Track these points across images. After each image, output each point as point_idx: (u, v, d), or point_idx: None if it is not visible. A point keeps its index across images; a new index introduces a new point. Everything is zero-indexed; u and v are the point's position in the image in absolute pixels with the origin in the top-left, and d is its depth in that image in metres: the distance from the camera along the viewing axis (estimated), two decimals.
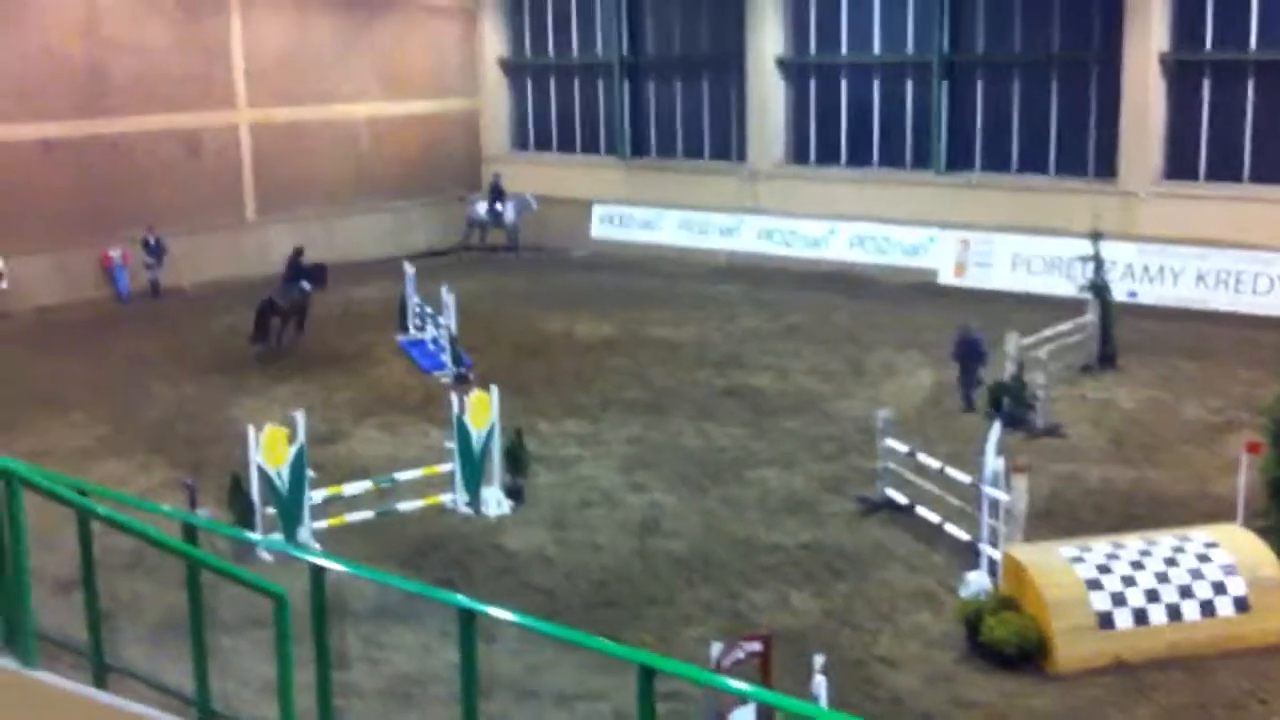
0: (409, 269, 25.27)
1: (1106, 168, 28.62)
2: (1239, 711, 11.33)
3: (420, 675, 12.16)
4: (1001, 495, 13.48)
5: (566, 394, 21.59)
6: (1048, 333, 20.50)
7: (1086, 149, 29.21)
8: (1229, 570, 12.31)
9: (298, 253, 25.73)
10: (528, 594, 14.31)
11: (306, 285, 25.20)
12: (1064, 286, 25.10)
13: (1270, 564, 12.53)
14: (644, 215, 34.13)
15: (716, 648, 9.56)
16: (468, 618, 6.21)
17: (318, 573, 6.45)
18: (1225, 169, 27.63)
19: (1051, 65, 29.65)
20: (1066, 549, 12.74)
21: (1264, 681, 11.75)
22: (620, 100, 35.29)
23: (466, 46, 36.86)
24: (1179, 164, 28.12)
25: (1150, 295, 26.58)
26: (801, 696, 9.87)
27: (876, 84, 32.00)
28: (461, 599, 6.59)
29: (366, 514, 15.99)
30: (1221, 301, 26.11)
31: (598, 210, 34.76)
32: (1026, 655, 12.18)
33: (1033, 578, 12.35)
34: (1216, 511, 14.47)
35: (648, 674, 5.60)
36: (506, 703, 11.92)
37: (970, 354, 20.18)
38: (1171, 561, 12.38)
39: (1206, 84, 27.78)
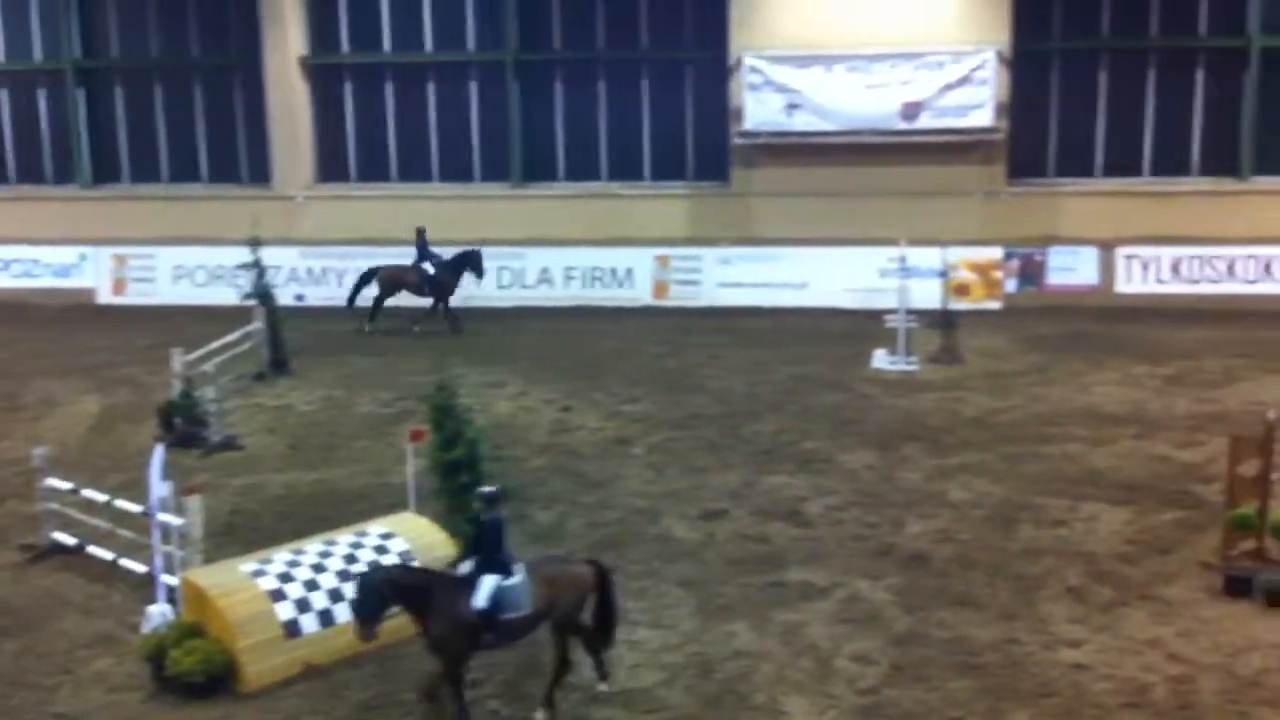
0: None
1: (261, 173, 28.61)
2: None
3: None
4: (175, 520, 12.75)
5: None
6: (215, 345, 19.94)
7: (239, 155, 29.00)
8: (406, 557, 12.51)
9: (420, 232, 24.84)
10: None
11: (429, 268, 24.67)
12: (231, 296, 24.69)
13: (443, 544, 12.92)
14: None
15: None
16: None
17: None
18: (374, 169, 28.72)
19: (194, 71, 29.04)
20: (246, 564, 12.28)
21: None
22: None
23: None
24: (330, 166, 28.78)
25: (317, 296, 26.95)
26: None
27: (5, 94, 29.50)
28: None
29: None
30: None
31: None
32: (217, 680, 11.61)
33: (213, 600, 11.77)
34: (395, 501, 14.75)
35: None
36: None
37: None
38: (351, 558, 12.34)
39: (348, 87, 28.65)
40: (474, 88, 28.35)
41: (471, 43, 28.18)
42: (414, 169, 28.61)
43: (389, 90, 28.57)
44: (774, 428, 18.52)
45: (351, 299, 25.14)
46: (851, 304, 25.48)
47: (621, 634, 12.34)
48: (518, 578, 10.82)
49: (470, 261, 25.08)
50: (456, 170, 28.58)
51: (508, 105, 27.94)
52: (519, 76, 27.90)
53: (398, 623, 11.16)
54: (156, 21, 28.99)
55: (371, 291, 25.00)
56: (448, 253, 25.03)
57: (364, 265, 27.22)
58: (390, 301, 24.93)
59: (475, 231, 26.97)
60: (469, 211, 27.54)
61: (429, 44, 28.29)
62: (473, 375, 20.18)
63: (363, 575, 10.78)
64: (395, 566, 11.32)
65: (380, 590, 10.58)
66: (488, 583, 10.68)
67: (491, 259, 26.72)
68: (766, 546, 14.46)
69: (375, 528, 13.07)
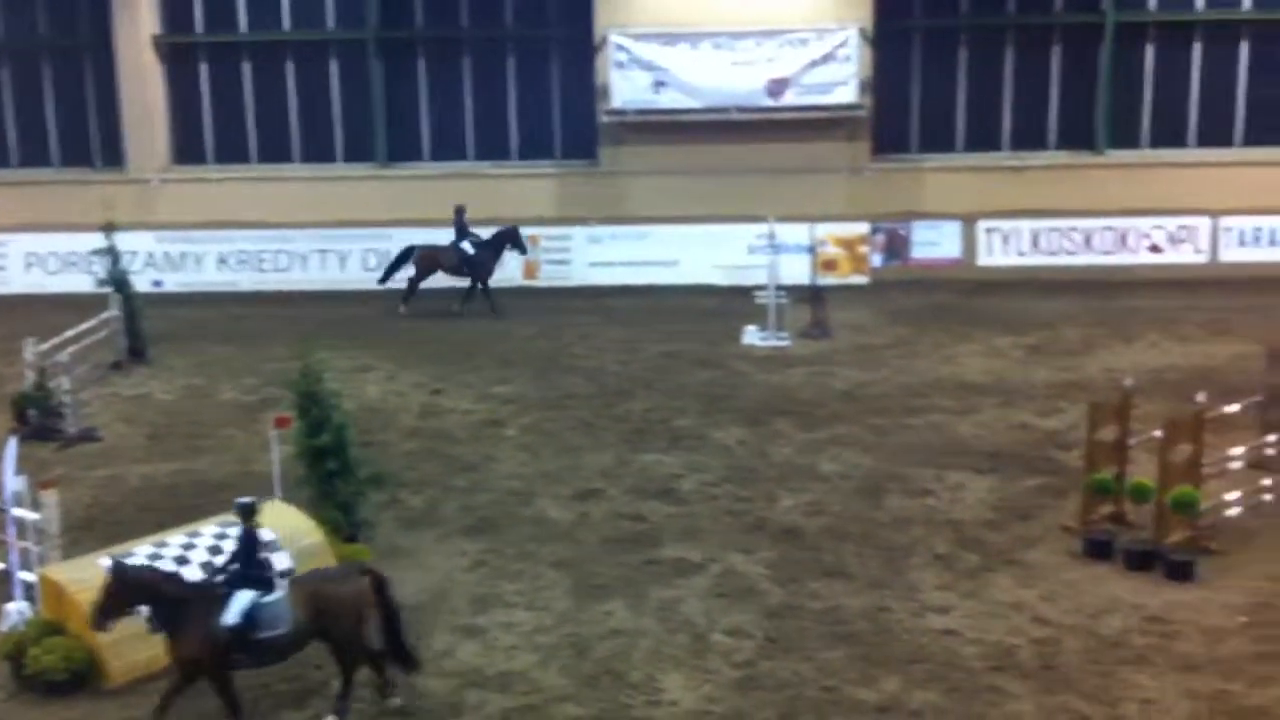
0: None
1: (114, 157, 27.78)
2: (296, 683, 11.29)
3: None
4: (31, 515, 12.31)
5: None
6: (69, 334, 19.31)
7: (90, 138, 28.14)
8: (273, 546, 12.23)
9: (459, 211, 23.96)
10: None
11: (469, 248, 23.89)
12: (85, 283, 23.94)
13: (311, 532, 12.71)
14: None
15: None
16: None
17: None
18: (232, 151, 28.05)
19: (43, 52, 28.07)
20: (106, 559, 11.89)
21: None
22: None
23: None
24: (186, 148, 28.06)
25: (176, 282, 26.33)
26: None
27: None
28: None
29: None
30: (247, 282, 26.50)
31: None
32: (79, 677, 11.29)
33: (72, 595, 11.40)
34: (262, 489, 14.40)
35: None
36: None
37: None
38: (216, 549, 12.02)
39: (203, 67, 27.93)
40: (334, 67, 27.82)
41: (331, 21, 27.64)
42: (274, 150, 28.00)
43: (246, 70, 27.90)
44: (646, 406, 18.54)
45: (384, 278, 24.38)
46: (721, 281, 25.60)
47: (498, 616, 12.27)
48: (277, 594, 10.40)
49: (510, 238, 24.37)
50: (318, 151, 28.03)
51: (370, 84, 27.48)
52: (381, 55, 27.45)
53: None
54: (2, 1, 27.92)
55: (406, 273, 24.34)
56: (448, 237, 24.33)
57: (224, 249, 26.70)
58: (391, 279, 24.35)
59: (339, 213, 26.56)
60: (332, 193, 27.05)
61: (286, 22, 27.68)
62: (340, 360, 19.80)
63: (120, 567, 10.28)
64: (161, 571, 10.83)
65: (136, 589, 10.12)
66: (241, 599, 10.23)
67: (355, 241, 26.34)
68: (641, 524, 14.47)
69: None
